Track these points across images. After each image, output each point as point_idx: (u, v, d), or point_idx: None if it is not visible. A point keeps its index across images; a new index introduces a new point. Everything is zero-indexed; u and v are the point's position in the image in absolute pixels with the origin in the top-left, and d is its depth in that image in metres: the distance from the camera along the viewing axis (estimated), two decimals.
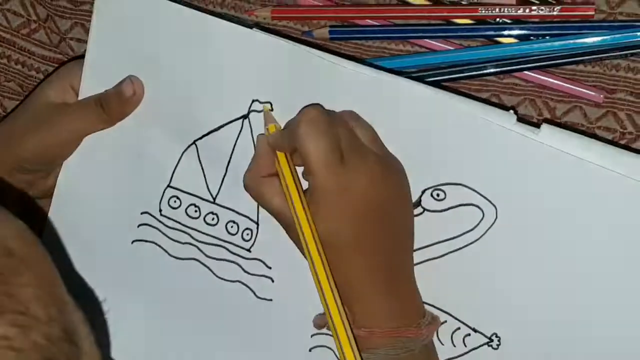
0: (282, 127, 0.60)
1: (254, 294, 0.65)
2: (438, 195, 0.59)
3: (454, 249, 0.60)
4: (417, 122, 0.58)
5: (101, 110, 0.63)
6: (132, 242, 0.67)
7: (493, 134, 0.56)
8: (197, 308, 0.67)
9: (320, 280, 0.55)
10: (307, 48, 0.59)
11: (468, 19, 0.66)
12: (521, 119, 0.57)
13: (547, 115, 0.65)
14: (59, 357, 0.39)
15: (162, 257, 0.66)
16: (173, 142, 0.64)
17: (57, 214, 0.68)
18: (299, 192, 0.56)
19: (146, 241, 0.66)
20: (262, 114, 0.61)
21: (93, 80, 0.64)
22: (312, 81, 0.59)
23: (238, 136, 0.62)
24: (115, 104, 0.63)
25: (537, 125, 0.56)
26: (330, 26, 0.69)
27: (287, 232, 0.59)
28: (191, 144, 0.64)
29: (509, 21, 0.66)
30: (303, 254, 0.57)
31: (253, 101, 0.61)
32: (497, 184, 0.58)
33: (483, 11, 0.66)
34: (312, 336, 0.64)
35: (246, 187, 0.59)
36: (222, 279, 0.65)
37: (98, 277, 0.67)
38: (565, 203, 0.57)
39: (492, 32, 0.66)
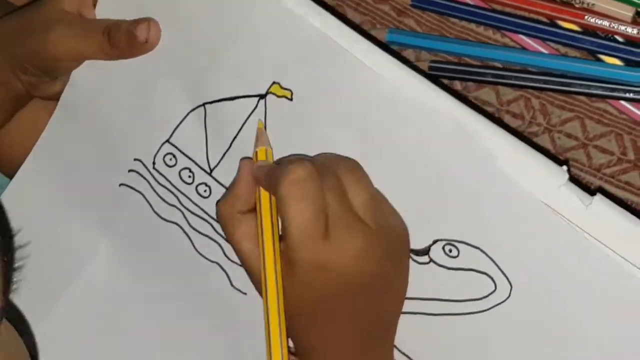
0: (274, 158, 0.52)
1: (230, 281, 0.58)
2: (450, 251, 0.50)
3: (453, 312, 0.51)
4: (447, 158, 0.49)
5: (107, 42, 0.56)
6: (120, 185, 0.60)
7: (535, 205, 0.46)
8: (167, 273, 0.60)
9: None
10: (351, 36, 0.50)
11: (574, 25, 0.58)
12: (573, 179, 0.47)
13: (631, 155, 0.57)
14: None
15: (145, 210, 0.60)
16: (183, 98, 0.57)
17: (56, 126, 0.61)
18: (274, 251, 0.48)
19: (133, 189, 0.60)
20: (280, 99, 0.53)
21: None
22: (341, 81, 0.50)
23: (250, 114, 0.55)
24: (123, 43, 0.55)
25: (590, 193, 0.46)
26: None
27: (249, 276, 0.51)
28: (200, 105, 0.56)
29: (620, 39, 0.57)
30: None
31: (274, 83, 0.53)
32: (521, 261, 0.48)
33: (592, 20, 0.57)
34: None
35: (218, 217, 0.52)
36: (200, 254, 0.59)
37: (74, 205, 0.62)
38: (595, 310, 0.47)
39: (596, 48, 0.58)
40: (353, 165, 0.49)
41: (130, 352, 0.62)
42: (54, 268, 0.62)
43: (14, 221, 0.62)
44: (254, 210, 0.50)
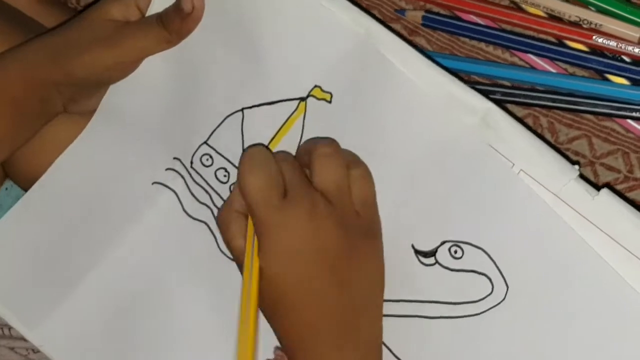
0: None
1: None
2: (455, 252, 0.53)
3: (448, 316, 0.53)
4: (466, 161, 0.51)
5: (162, 28, 0.58)
6: (152, 183, 0.62)
7: (540, 207, 0.49)
8: (188, 269, 0.62)
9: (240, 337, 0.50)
10: (390, 40, 0.53)
11: (582, 45, 0.59)
12: (583, 177, 0.50)
13: (637, 173, 0.58)
14: None
15: (175, 208, 0.62)
16: (222, 102, 0.59)
17: (95, 127, 0.63)
18: (252, 242, 0.52)
19: (166, 187, 0.62)
20: (319, 101, 0.56)
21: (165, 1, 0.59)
22: (380, 86, 0.53)
23: (290, 116, 0.57)
24: (175, 21, 0.58)
25: (597, 188, 0.49)
26: (426, 11, 0.62)
27: (240, 272, 0.54)
28: (238, 110, 0.59)
29: (627, 59, 0.58)
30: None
31: (315, 86, 0.56)
32: (520, 263, 0.51)
33: (600, 40, 0.58)
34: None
35: (217, 219, 0.55)
36: (224, 253, 0.60)
37: (105, 203, 0.64)
38: (593, 319, 0.49)
39: (603, 67, 0.59)
40: (328, 151, 0.52)
41: (145, 343, 0.63)
42: (74, 260, 0.64)
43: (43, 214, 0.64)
44: (247, 214, 0.53)
